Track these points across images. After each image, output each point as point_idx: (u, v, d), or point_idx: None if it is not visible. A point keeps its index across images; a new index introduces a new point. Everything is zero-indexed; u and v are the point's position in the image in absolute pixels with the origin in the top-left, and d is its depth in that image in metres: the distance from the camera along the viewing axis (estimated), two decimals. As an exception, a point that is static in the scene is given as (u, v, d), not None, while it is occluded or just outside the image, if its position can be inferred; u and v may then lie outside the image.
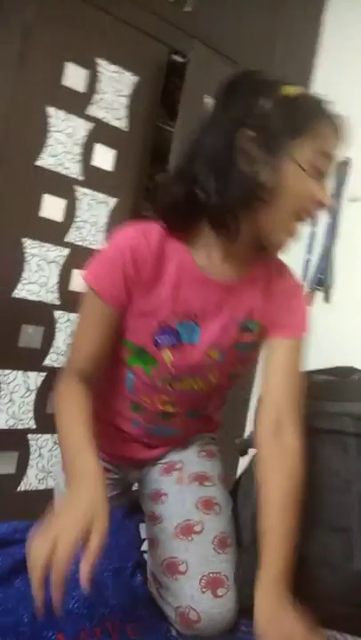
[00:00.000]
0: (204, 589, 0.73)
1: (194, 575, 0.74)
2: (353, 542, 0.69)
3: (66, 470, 0.75)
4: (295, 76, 2.04)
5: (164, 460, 0.97)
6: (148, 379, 0.86)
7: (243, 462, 0.97)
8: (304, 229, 1.61)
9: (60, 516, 0.64)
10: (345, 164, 1.78)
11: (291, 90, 0.75)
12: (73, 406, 0.80)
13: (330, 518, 0.72)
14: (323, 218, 1.84)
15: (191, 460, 0.95)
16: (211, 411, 1.00)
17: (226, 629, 0.72)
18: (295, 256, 1.94)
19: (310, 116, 0.74)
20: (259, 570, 0.70)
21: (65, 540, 0.60)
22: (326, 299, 1.78)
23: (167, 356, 0.83)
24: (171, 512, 0.85)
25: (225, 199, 0.73)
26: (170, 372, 0.85)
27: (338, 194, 1.78)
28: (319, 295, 1.81)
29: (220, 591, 0.73)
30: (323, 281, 1.78)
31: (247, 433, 0.96)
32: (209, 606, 0.71)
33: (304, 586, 0.69)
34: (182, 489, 0.89)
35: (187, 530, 0.80)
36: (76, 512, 0.63)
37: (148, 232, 0.80)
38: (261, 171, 0.72)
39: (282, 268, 0.90)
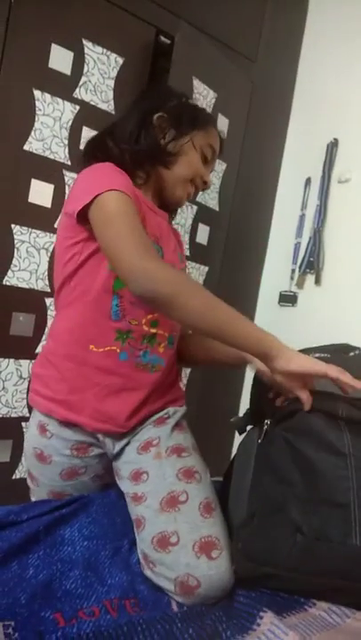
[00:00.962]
0: (198, 554, 0.74)
1: (186, 543, 0.76)
2: (352, 518, 0.70)
3: (251, 335, 0.81)
4: (282, 56, 2.03)
5: (140, 438, 0.98)
6: (135, 296, 0.86)
7: (236, 442, 0.98)
8: (293, 212, 1.64)
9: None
10: (333, 146, 1.77)
11: (199, 107, 1.14)
12: (200, 288, 0.85)
13: (329, 493, 0.72)
14: (312, 200, 1.84)
15: (166, 434, 0.97)
16: (175, 353, 1.08)
17: (225, 590, 0.74)
18: (285, 239, 1.95)
19: (207, 119, 1.11)
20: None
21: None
22: (317, 281, 1.78)
23: None
24: (153, 488, 0.87)
25: (137, 155, 1.01)
26: None
27: (326, 175, 1.78)
28: (310, 278, 1.81)
29: (213, 553, 0.75)
30: (313, 263, 1.78)
31: (241, 412, 0.97)
32: (206, 569, 0.73)
33: (303, 560, 0.70)
34: (162, 463, 0.91)
35: (172, 501, 0.82)
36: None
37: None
38: (168, 141, 1.03)
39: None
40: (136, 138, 1.02)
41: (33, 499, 1.06)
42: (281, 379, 0.80)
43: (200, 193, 1.22)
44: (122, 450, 0.99)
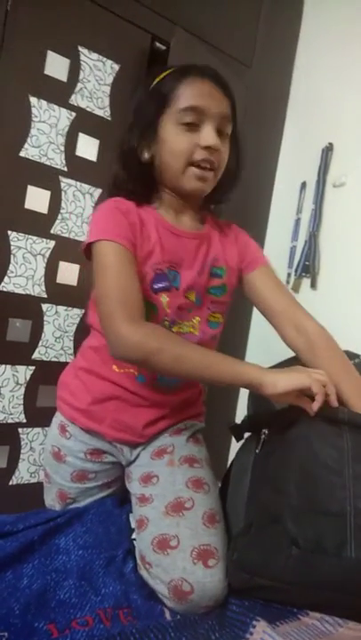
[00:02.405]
0: (195, 561, 0.75)
1: (185, 548, 0.76)
2: (347, 529, 0.70)
3: (229, 374, 0.83)
4: (277, 61, 2.03)
5: (156, 444, 1.01)
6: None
7: (234, 449, 0.98)
8: (289, 216, 1.63)
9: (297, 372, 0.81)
10: (328, 150, 1.78)
11: (161, 76, 0.95)
12: (174, 338, 0.88)
13: (324, 503, 0.72)
14: (307, 204, 1.84)
15: (181, 444, 0.99)
16: None
17: (218, 600, 0.74)
18: (281, 243, 1.95)
19: (168, 89, 0.92)
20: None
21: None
22: (313, 285, 1.78)
23: (164, 299, 0.94)
24: (162, 492, 0.88)
25: (135, 183, 0.97)
26: (167, 315, 0.95)
27: (321, 179, 1.79)
28: (306, 281, 1.82)
29: (210, 562, 0.75)
30: (309, 267, 1.78)
31: (239, 419, 0.97)
32: (201, 576, 0.73)
33: (298, 572, 0.70)
34: (173, 470, 0.92)
35: (178, 506, 0.83)
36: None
37: (121, 199, 0.96)
38: (151, 151, 0.95)
39: (228, 224, 1.10)
40: (123, 166, 0.99)
41: (45, 496, 1.10)
42: (277, 399, 0.81)
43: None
44: (137, 456, 1.02)
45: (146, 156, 0.95)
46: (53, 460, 1.05)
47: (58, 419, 1.07)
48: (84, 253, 0.94)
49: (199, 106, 0.90)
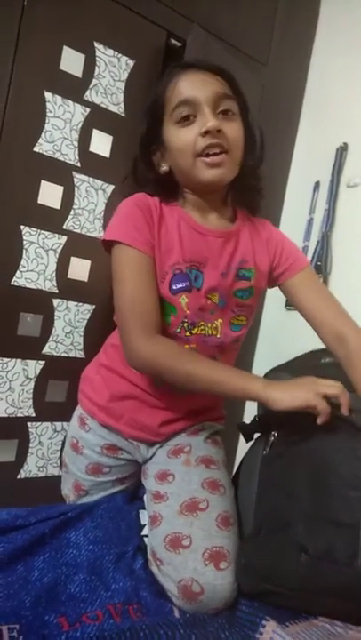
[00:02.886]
0: (207, 562, 0.75)
1: (197, 549, 0.76)
2: (359, 539, 0.69)
3: (236, 391, 0.84)
4: (293, 59, 2.02)
5: (172, 443, 1.01)
6: (169, 328, 0.93)
7: (241, 449, 0.98)
8: (302, 216, 1.61)
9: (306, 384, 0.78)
10: (343, 150, 1.77)
11: (157, 84, 0.94)
12: (184, 356, 0.88)
13: (337, 513, 0.72)
14: (320, 204, 1.83)
15: (199, 444, 0.99)
16: None
17: (227, 603, 0.74)
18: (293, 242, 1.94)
19: (160, 96, 0.91)
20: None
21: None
22: (324, 285, 1.78)
23: (183, 299, 0.93)
24: (177, 490, 0.88)
25: (156, 187, 0.95)
26: (186, 316, 0.93)
27: (335, 179, 1.77)
28: (318, 282, 1.81)
29: (222, 564, 0.75)
30: (321, 268, 1.77)
31: (249, 417, 0.97)
32: (211, 578, 0.73)
33: (306, 579, 0.70)
34: (189, 470, 0.92)
35: (192, 506, 0.83)
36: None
37: (144, 195, 0.94)
38: (163, 163, 0.95)
39: (262, 222, 1.07)
40: (141, 180, 0.98)
41: (62, 485, 1.12)
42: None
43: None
44: (154, 454, 1.03)
45: (164, 168, 0.95)
46: (72, 451, 1.07)
47: (78, 411, 1.09)
48: (102, 245, 0.93)
49: (188, 97, 0.88)
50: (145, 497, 0.96)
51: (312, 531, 0.72)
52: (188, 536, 0.78)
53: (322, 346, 1.00)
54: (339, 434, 0.76)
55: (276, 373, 0.94)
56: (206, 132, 0.86)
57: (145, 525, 0.92)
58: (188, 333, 0.94)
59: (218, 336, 0.97)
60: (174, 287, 0.92)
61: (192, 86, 0.88)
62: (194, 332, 0.94)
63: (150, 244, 0.90)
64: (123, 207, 0.93)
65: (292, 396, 0.77)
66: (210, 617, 0.71)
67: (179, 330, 0.93)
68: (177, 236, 0.93)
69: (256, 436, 0.95)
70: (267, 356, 2.03)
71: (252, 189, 1.05)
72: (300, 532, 0.72)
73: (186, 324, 0.94)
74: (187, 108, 0.88)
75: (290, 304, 1.87)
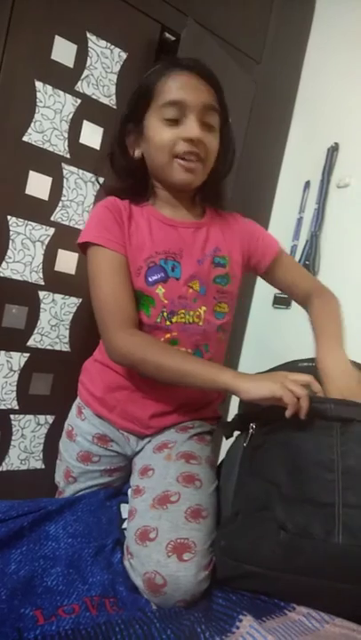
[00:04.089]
0: (169, 554, 0.74)
1: (162, 541, 0.76)
2: (335, 517, 0.70)
3: (205, 382, 0.87)
4: (286, 58, 2.02)
5: (161, 438, 1.01)
6: (148, 319, 0.97)
7: (225, 447, 0.98)
8: (291, 215, 1.63)
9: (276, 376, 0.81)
10: (333, 150, 1.77)
11: (150, 70, 0.96)
12: (157, 348, 0.92)
13: (315, 494, 0.73)
14: (310, 204, 1.84)
15: (183, 441, 0.99)
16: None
17: (194, 595, 0.73)
18: (282, 241, 1.94)
19: (151, 85, 0.94)
20: (317, 341, 0.96)
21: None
22: (312, 285, 1.78)
23: (160, 290, 0.96)
24: (153, 485, 0.88)
25: (126, 178, 1.02)
26: (164, 306, 0.97)
27: (325, 179, 1.78)
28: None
29: (185, 555, 0.75)
30: (309, 267, 1.78)
31: (231, 416, 0.97)
32: (174, 569, 0.73)
33: (285, 558, 0.70)
34: (168, 464, 0.92)
35: (163, 500, 0.83)
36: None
37: (114, 198, 1.00)
38: (136, 149, 0.99)
39: (232, 215, 1.12)
40: (115, 163, 1.02)
41: (55, 473, 1.14)
42: (255, 402, 0.82)
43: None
44: (142, 448, 1.04)
45: (137, 153, 0.99)
46: (66, 439, 1.11)
47: (77, 400, 1.12)
48: (79, 248, 0.99)
49: (180, 99, 0.91)
50: (129, 492, 0.96)
51: (291, 510, 0.72)
52: (155, 528, 0.78)
53: (308, 352, 1.02)
54: (314, 423, 0.78)
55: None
56: (189, 140, 0.92)
57: (126, 519, 0.92)
58: (168, 322, 0.97)
59: (200, 324, 1.00)
60: (150, 279, 0.96)
61: (185, 89, 0.92)
62: (174, 320, 0.97)
63: (122, 242, 0.95)
64: (94, 211, 1.00)
65: (260, 386, 0.80)
66: (186, 611, 0.71)
67: (159, 320, 0.97)
68: (147, 231, 0.98)
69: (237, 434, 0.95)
70: (254, 354, 2.03)
71: (218, 194, 1.10)
72: (279, 512, 0.73)
73: (165, 314, 0.97)
74: (175, 109, 0.91)
75: (277, 302, 1.90)
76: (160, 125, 0.93)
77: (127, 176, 1.02)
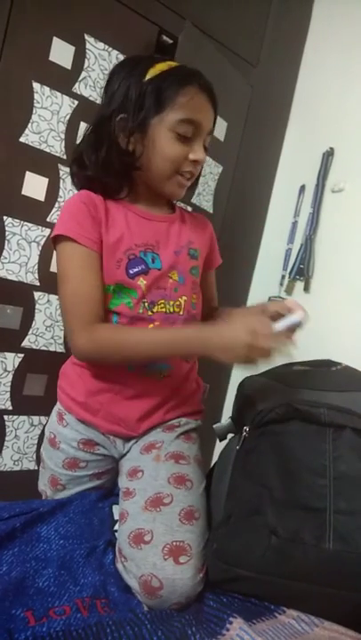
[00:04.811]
0: (166, 557, 0.75)
1: (157, 544, 0.77)
2: (326, 523, 0.71)
3: (184, 347, 0.92)
4: (283, 61, 2.03)
5: (147, 439, 1.01)
6: (131, 311, 0.98)
7: (218, 448, 0.99)
8: (286, 218, 1.64)
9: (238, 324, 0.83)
10: (329, 155, 1.78)
11: (157, 69, 0.95)
12: (125, 329, 0.96)
13: (307, 499, 0.73)
14: (305, 208, 1.85)
15: (171, 440, 1.00)
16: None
17: (189, 597, 0.74)
18: (276, 245, 1.96)
19: (168, 92, 0.93)
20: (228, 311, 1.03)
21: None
22: (306, 288, 1.79)
23: (141, 282, 0.98)
24: (143, 487, 0.88)
25: (107, 171, 0.98)
26: (145, 296, 0.98)
27: (320, 184, 1.79)
28: (299, 284, 1.82)
29: (182, 559, 0.75)
30: (303, 271, 1.79)
31: (225, 419, 0.98)
32: (170, 573, 0.73)
33: (276, 562, 0.71)
34: (158, 466, 0.93)
35: (156, 502, 0.84)
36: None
37: (88, 192, 1.00)
38: (134, 144, 0.96)
39: (199, 215, 1.20)
40: (98, 152, 0.98)
41: (39, 481, 1.13)
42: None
43: (196, 194, 1.22)
44: (129, 449, 1.04)
45: (129, 146, 0.97)
46: (49, 446, 1.08)
47: (57, 407, 1.10)
48: (52, 244, 0.99)
49: (197, 120, 0.94)
50: (119, 494, 0.97)
51: (282, 515, 0.73)
52: (150, 531, 0.79)
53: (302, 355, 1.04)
54: (307, 428, 0.79)
55: (252, 378, 0.96)
56: (195, 161, 0.97)
57: (117, 521, 0.92)
58: (150, 312, 0.98)
59: (181, 313, 1.02)
60: (131, 272, 0.97)
61: (203, 112, 0.96)
62: (155, 310, 0.99)
63: (94, 238, 0.95)
64: (67, 204, 1.00)
65: (230, 357, 0.83)
66: (177, 613, 0.71)
67: (141, 310, 0.98)
68: (125, 224, 0.99)
69: (230, 436, 0.96)
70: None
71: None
72: (271, 517, 0.74)
73: (146, 304, 0.98)
74: (192, 128, 0.94)
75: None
76: (172, 138, 0.94)
77: (110, 168, 0.99)
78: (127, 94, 0.95)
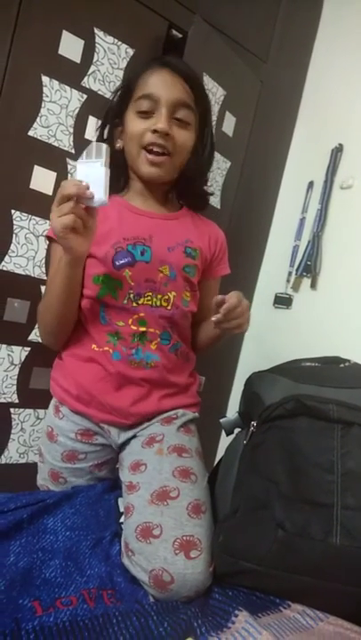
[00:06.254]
0: (177, 551, 0.75)
1: (168, 538, 0.77)
2: (334, 518, 0.71)
3: (62, 281, 0.96)
4: (293, 57, 2.02)
5: (146, 433, 1.02)
6: (116, 301, 1.02)
7: (223, 443, 0.99)
8: (294, 215, 1.63)
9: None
10: (338, 151, 1.78)
11: (132, 72, 1.07)
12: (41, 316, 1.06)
13: (314, 494, 0.74)
14: (313, 204, 1.84)
15: (171, 433, 1.01)
16: (184, 351, 1.12)
17: (198, 591, 0.74)
18: (284, 241, 1.95)
19: (132, 80, 1.04)
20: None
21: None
22: (313, 285, 1.79)
23: (127, 273, 1.01)
24: (148, 480, 0.89)
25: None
26: (131, 288, 1.01)
27: (329, 180, 1.78)
28: (306, 281, 1.82)
29: (192, 553, 0.76)
30: (310, 268, 1.78)
31: (232, 413, 0.98)
32: (182, 567, 0.74)
33: (282, 556, 0.71)
34: (161, 459, 0.94)
35: (163, 495, 0.84)
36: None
37: None
38: (122, 141, 1.06)
39: (209, 221, 1.21)
40: None
41: (38, 475, 1.14)
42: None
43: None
44: (128, 441, 1.05)
45: (118, 145, 1.08)
46: (47, 440, 1.10)
47: (53, 400, 1.13)
48: (45, 239, 1.07)
49: (153, 93, 0.98)
50: (122, 488, 0.97)
51: (289, 510, 0.74)
52: (159, 525, 0.79)
53: (309, 352, 1.04)
54: (315, 424, 0.79)
55: (260, 373, 0.96)
56: (155, 131, 0.98)
57: (123, 513, 0.92)
58: (134, 304, 1.01)
59: (168, 308, 1.04)
60: (117, 263, 1.01)
61: (160, 84, 0.98)
62: (140, 302, 1.02)
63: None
64: None
65: (59, 241, 0.87)
66: (183, 605, 0.72)
67: (126, 301, 1.01)
68: (117, 220, 1.04)
69: (237, 431, 0.96)
70: (253, 353, 2.04)
71: (195, 193, 1.17)
72: (278, 511, 0.74)
73: (132, 295, 1.01)
74: (148, 102, 0.98)
75: (278, 302, 1.90)
76: (134, 118, 1.00)
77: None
78: (111, 105, 1.09)
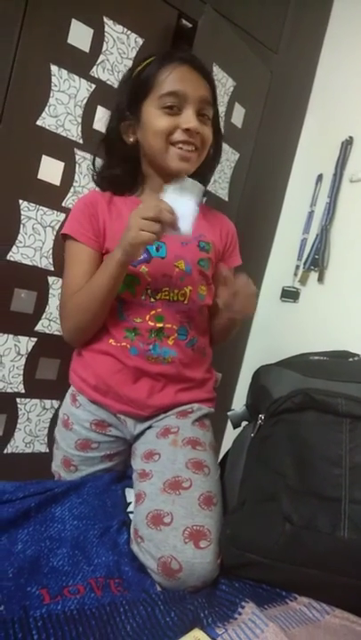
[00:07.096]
0: (186, 540, 0.76)
1: (178, 526, 0.78)
2: (342, 512, 0.71)
3: (112, 265, 0.96)
4: (303, 49, 2.00)
5: (162, 424, 1.03)
6: (134, 298, 1.04)
7: (228, 435, 0.99)
8: (303, 208, 1.63)
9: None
10: (348, 144, 1.76)
11: (142, 65, 1.06)
12: (75, 299, 1.03)
13: (322, 488, 0.74)
14: (322, 198, 1.83)
15: (187, 426, 1.02)
16: (201, 346, 1.13)
17: (206, 581, 0.75)
18: (292, 234, 1.94)
19: (150, 75, 1.02)
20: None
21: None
22: (320, 279, 1.78)
23: (143, 269, 1.03)
24: (162, 469, 0.90)
25: (118, 166, 1.11)
26: (148, 283, 1.03)
27: (338, 173, 1.77)
28: (313, 275, 1.81)
29: (202, 543, 0.76)
30: (318, 261, 1.78)
31: (238, 406, 0.98)
32: (190, 556, 0.74)
33: (289, 549, 0.71)
34: (175, 450, 0.95)
35: (175, 485, 0.85)
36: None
37: (94, 193, 1.12)
38: (135, 135, 1.07)
39: (218, 213, 1.24)
40: (108, 155, 1.14)
41: (53, 462, 1.17)
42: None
43: (212, 181, 1.22)
44: (142, 432, 1.06)
45: (131, 139, 1.07)
46: (62, 427, 1.12)
47: (70, 389, 1.14)
48: (62, 239, 1.10)
49: (180, 90, 0.98)
50: (133, 476, 0.98)
51: (297, 503, 0.74)
52: (170, 513, 0.80)
53: (315, 346, 1.04)
54: (323, 418, 0.79)
55: (268, 366, 0.96)
56: (187, 130, 0.99)
57: (130, 503, 0.93)
58: (152, 299, 1.03)
59: (185, 302, 1.05)
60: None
61: (185, 82, 0.99)
62: (158, 297, 1.03)
63: (92, 236, 1.04)
64: (75, 205, 1.11)
65: (126, 245, 0.90)
66: (190, 595, 0.72)
67: (143, 297, 1.03)
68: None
69: (244, 424, 0.96)
70: (260, 346, 2.03)
71: (205, 183, 1.19)
72: (285, 504, 0.74)
73: (149, 291, 1.03)
74: (175, 99, 0.99)
75: (285, 296, 1.89)
76: (159, 113, 1.00)
77: (119, 162, 1.11)
78: (121, 93, 1.08)
